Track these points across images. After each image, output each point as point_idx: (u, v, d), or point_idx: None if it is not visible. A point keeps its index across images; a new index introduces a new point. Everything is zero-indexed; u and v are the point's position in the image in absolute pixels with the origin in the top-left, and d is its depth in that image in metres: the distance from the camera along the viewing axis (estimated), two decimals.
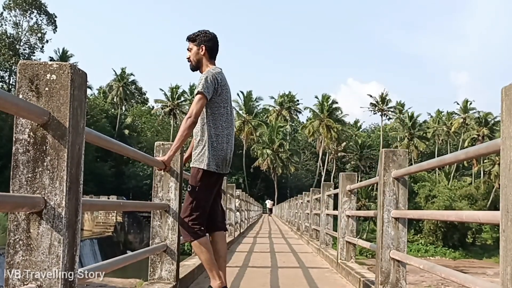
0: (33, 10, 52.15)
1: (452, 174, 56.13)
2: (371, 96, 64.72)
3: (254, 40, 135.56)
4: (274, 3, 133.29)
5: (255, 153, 60.10)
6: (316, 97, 63.94)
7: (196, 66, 3.49)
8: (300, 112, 67.00)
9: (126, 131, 60.15)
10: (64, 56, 55.00)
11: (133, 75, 64.64)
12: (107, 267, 2.48)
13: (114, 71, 62.43)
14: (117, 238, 39.88)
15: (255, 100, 61.99)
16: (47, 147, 1.64)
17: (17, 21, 52.04)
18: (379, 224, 3.60)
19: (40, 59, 50.30)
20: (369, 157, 64.28)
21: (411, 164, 3.72)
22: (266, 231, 15.84)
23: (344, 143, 63.39)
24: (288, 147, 62.43)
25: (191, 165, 3.41)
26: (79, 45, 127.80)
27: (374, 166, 62.02)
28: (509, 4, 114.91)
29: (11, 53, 49.31)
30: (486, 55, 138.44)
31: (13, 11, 51.48)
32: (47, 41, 53.47)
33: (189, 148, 3.60)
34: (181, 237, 3.56)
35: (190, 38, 3.50)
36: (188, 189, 3.37)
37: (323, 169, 60.72)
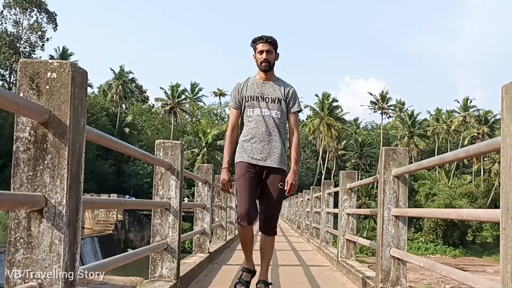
0: (33, 9, 52.13)
1: (452, 172, 56.11)
2: (371, 94, 64.65)
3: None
4: (274, 3, 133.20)
5: None
6: (317, 95, 63.93)
7: (270, 69, 3.70)
8: (300, 111, 66.87)
9: (127, 130, 60.13)
10: (64, 54, 54.98)
11: (132, 73, 64.60)
12: (108, 265, 2.48)
13: (112, 70, 62.45)
14: (117, 236, 39.92)
15: None
16: (48, 146, 1.64)
17: (18, 20, 52.04)
18: (379, 222, 3.60)
19: (40, 57, 50.30)
20: (369, 155, 64.28)
21: (411, 163, 3.73)
22: None
23: (345, 141, 63.38)
24: (288, 146, 62.26)
25: (278, 167, 3.65)
26: (79, 44, 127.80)
27: (374, 164, 62.02)
28: (507, 1, 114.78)
29: (11, 51, 49.32)
30: (486, 52, 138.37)
31: (13, 10, 51.46)
32: (47, 40, 53.50)
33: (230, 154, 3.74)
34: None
35: (272, 42, 3.68)
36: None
37: (324, 167, 60.72)
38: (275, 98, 3.67)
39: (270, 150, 3.62)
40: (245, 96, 3.69)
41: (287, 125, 3.83)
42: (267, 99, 3.66)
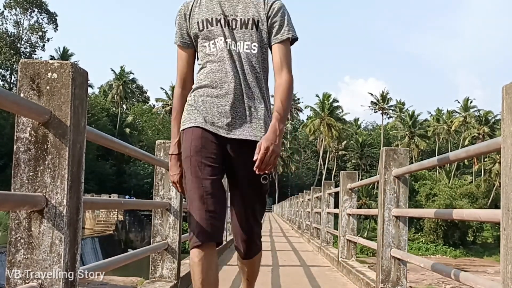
0: (33, 9, 52.19)
1: (452, 173, 56.12)
2: (371, 94, 64.77)
3: None
4: None
5: None
6: (317, 95, 64.05)
7: None
8: (300, 111, 67.06)
9: (127, 130, 60.20)
10: (64, 54, 55.04)
11: (133, 73, 64.76)
12: (108, 265, 2.48)
13: (113, 70, 62.55)
14: (118, 236, 39.93)
15: None
16: (48, 146, 1.64)
17: (18, 20, 52.10)
18: (379, 222, 3.60)
19: (41, 57, 50.36)
20: (369, 156, 64.34)
21: (412, 163, 3.73)
22: (267, 230, 15.85)
23: (345, 142, 63.45)
24: (288, 146, 62.53)
25: (253, 138, 2.06)
26: (80, 44, 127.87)
27: (374, 165, 62.04)
28: (507, 1, 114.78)
29: (12, 51, 49.37)
30: (486, 52, 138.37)
31: (13, 10, 51.53)
32: (48, 40, 53.55)
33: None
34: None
35: None
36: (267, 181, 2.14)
37: (324, 167, 60.73)
38: (248, 20, 2.11)
39: (242, 112, 2.08)
40: (197, 22, 2.14)
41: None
42: (234, 22, 2.11)
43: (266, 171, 1.96)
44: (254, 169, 1.93)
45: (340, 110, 60.91)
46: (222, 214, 2.03)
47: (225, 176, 2.18)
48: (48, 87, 1.65)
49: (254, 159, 1.92)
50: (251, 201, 2.16)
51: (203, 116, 2.07)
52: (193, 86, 2.17)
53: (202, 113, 2.08)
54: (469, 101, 59.74)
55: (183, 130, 2.12)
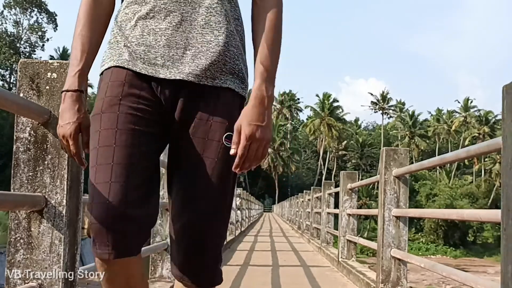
0: (33, 9, 52.19)
1: (453, 173, 56.12)
2: (372, 94, 64.86)
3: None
4: None
5: None
6: (317, 95, 64.08)
7: None
8: (301, 111, 67.09)
9: None
10: (64, 54, 55.01)
11: None
12: None
13: None
14: None
15: None
16: (48, 146, 1.64)
17: (18, 20, 52.10)
18: (380, 222, 3.60)
19: (40, 57, 50.35)
20: (370, 156, 64.36)
21: (412, 163, 3.73)
22: (267, 230, 15.86)
23: (345, 142, 63.48)
24: (289, 146, 62.53)
25: (224, 85, 1.25)
26: None
27: (375, 165, 62.07)
28: (508, 1, 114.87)
29: (11, 51, 49.36)
30: (486, 52, 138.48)
31: (13, 10, 51.54)
32: (47, 40, 53.58)
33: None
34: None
35: None
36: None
37: (324, 167, 60.75)
38: None
39: (195, 39, 1.22)
40: None
41: None
42: None
43: (251, 167, 1.21)
44: (233, 169, 1.20)
45: (340, 110, 60.99)
46: (142, 204, 1.19)
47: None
48: (47, 87, 1.65)
49: (231, 153, 1.18)
50: (206, 178, 1.23)
51: (131, 50, 1.23)
52: (119, 8, 1.34)
53: (130, 45, 1.24)
54: (469, 101, 59.78)
55: (106, 69, 1.26)
